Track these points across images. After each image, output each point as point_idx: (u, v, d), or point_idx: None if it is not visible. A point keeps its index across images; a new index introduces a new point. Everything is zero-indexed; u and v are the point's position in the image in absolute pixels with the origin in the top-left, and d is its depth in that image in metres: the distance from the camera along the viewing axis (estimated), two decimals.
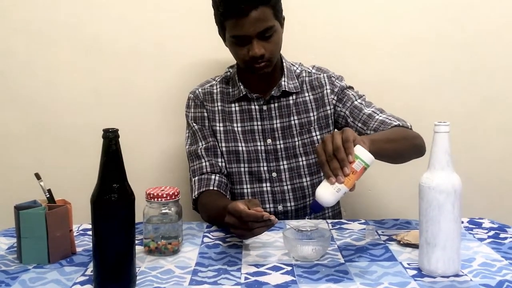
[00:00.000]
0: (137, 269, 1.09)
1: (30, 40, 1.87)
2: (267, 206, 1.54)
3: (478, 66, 1.93)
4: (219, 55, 1.87)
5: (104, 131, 0.98)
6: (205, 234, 1.32)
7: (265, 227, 1.14)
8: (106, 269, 0.98)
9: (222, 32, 1.50)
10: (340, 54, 1.90)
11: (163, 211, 1.18)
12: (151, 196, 1.17)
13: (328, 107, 1.57)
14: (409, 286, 1.00)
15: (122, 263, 0.98)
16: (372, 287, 1.00)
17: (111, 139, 0.97)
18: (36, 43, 1.87)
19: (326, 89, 1.58)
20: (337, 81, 1.60)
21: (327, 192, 1.06)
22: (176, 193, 1.19)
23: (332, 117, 1.58)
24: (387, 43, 1.92)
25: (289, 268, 1.10)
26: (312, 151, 1.56)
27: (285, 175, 1.55)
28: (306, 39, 1.88)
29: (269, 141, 1.55)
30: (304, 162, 1.56)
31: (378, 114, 1.51)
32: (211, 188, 1.46)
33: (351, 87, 1.61)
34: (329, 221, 1.44)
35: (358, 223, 1.41)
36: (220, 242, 1.26)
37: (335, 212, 1.64)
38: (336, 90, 1.58)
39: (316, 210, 1.08)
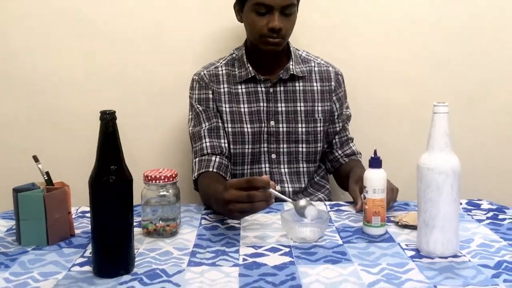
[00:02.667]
0: (135, 250, 1.09)
1: (27, 24, 1.86)
2: None
3: (478, 46, 1.92)
4: (219, 37, 1.86)
5: (101, 113, 0.97)
6: (203, 216, 1.32)
7: (265, 202, 1.12)
8: (105, 250, 0.98)
9: (241, 1, 1.52)
10: (340, 37, 1.89)
11: (161, 193, 1.18)
12: (149, 178, 1.17)
13: (330, 103, 1.61)
14: (407, 267, 1.01)
15: (121, 245, 0.98)
16: (370, 268, 1.00)
17: (108, 121, 0.97)
18: (33, 27, 1.86)
19: (332, 85, 1.61)
20: (342, 85, 1.64)
21: None
22: (174, 175, 1.18)
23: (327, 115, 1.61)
24: (386, 24, 1.90)
25: (287, 249, 1.10)
26: (313, 140, 1.57)
27: (283, 158, 1.55)
28: (303, 21, 1.87)
29: (272, 123, 1.55)
30: (304, 149, 1.57)
31: (352, 142, 1.68)
32: (211, 169, 1.46)
33: (346, 96, 1.68)
34: (327, 203, 1.44)
35: (354, 205, 1.41)
36: (218, 224, 1.26)
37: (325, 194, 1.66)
38: (339, 93, 1.63)
39: None
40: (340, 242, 1.14)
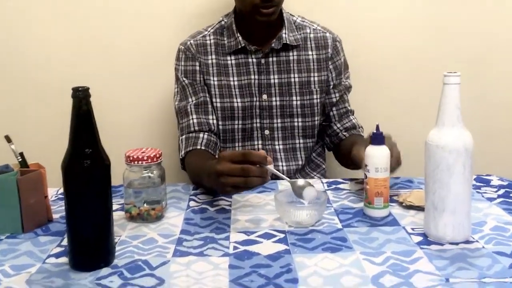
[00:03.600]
0: (117, 238, 1.00)
1: None
2: None
3: (484, 12, 1.80)
4: (207, 1, 1.73)
5: (73, 90, 0.86)
6: (191, 197, 1.23)
7: (261, 178, 1.03)
8: (81, 242, 0.89)
9: None
10: (340, 2, 1.77)
11: (145, 174, 1.08)
12: (131, 159, 1.07)
13: (326, 73, 1.49)
14: (415, 255, 0.92)
15: (98, 235, 0.89)
16: (374, 256, 0.91)
17: (81, 98, 0.86)
18: None
19: (328, 53, 1.49)
20: (340, 52, 1.52)
21: None
22: (158, 155, 1.08)
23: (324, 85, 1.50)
24: None
25: (282, 236, 1.01)
26: (310, 114, 1.46)
27: (277, 133, 1.45)
28: None
29: (264, 96, 1.44)
30: (300, 124, 1.46)
31: (352, 115, 1.54)
32: (198, 147, 1.36)
33: (347, 65, 1.55)
34: (324, 180, 1.35)
35: (356, 183, 1.32)
36: (207, 206, 1.17)
37: (321, 173, 1.56)
38: (336, 61, 1.51)
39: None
40: (340, 226, 1.05)
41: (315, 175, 1.52)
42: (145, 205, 1.08)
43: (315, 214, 1.06)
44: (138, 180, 1.08)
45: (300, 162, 1.47)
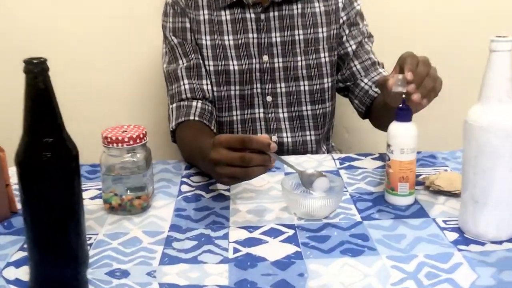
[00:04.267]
0: (92, 237, 0.84)
1: None
2: None
3: None
4: None
5: (25, 62, 0.67)
6: (183, 179, 1.06)
7: (263, 167, 0.87)
8: (45, 250, 0.72)
9: None
10: None
11: (127, 159, 0.91)
12: (109, 140, 0.89)
13: (336, 27, 1.28)
14: (453, 260, 0.75)
15: (66, 242, 0.71)
16: (404, 262, 0.75)
17: (36, 74, 0.67)
18: None
19: (338, 3, 1.28)
20: (354, 2, 1.29)
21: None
22: (142, 135, 0.90)
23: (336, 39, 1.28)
24: None
25: (291, 232, 0.85)
26: (317, 76, 1.27)
27: (281, 100, 1.27)
28: None
29: (265, 57, 1.25)
30: (306, 88, 1.27)
31: (381, 67, 1.29)
32: (192, 118, 1.18)
33: (362, 15, 1.31)
34: (336, 156, 1.18)
35: (372, 159, 1.15)
36: (202, 192, 1.00)
37: (327, 148, 1.38)
38: (350, 12, 1.29)
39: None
40: (358, 218, 0.89)
41: (324, 149, 1.35)
42: (128, 192, 0.92)
43: (330, 205, 0.89)
44: (118, 165, 0.91)
45: (307, 133, 1.30)
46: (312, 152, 1.30)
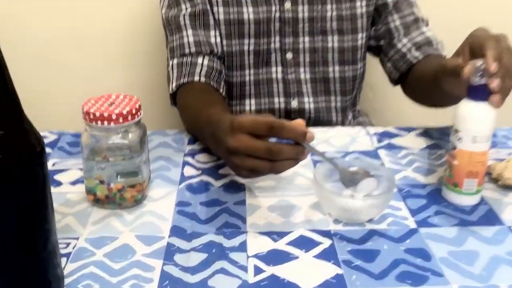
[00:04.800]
0: (72, 243, 0.64)
1: None
2: (276, 100, 1.06)
3: None
4: None
5: None
6: (186, 158, 0.85)
7: (294, 161, 0.67)
8: (3, 274, 0.53)
9: None
10: None
11: (116, 141, 0.70)
12: (93, 117, 0.68)
13: None
14: None
15: (29, 263, 0.52)
16: None
17: None
18: None
19: None
20: None
21: None
22: (135, 110, 0.69)
23: None
24: None
25: (327, 243, 0.65)
26: (350, 29, 1.04)
27: (304, 57, 1.04)
28: None
29: (287, 5, 1.01)
30: (335, 44, 1.04)
31: (426, 26, 1.05)
32: (196, 78, 0.95)
33: None
34: (371, 130, 0.97)
35: (416, 135, 0.95)
36: (210, 179, 0.79)
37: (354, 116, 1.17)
38: None
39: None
40: (412, 223, 0.69)
41: (350, 117, 1.14)
42: (119, 178, 0.71)
43: (377, 208, 0.69)
44: (105, 147, 0.70)
45: (332, 98, 1.08)
46: (336, 121, 1.09)
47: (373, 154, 0.87)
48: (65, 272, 0.59)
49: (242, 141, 0.65)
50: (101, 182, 0.71)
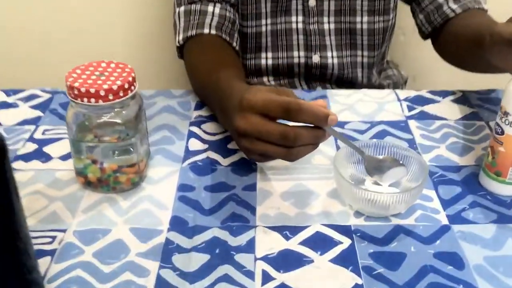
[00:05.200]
0: (59, 236, 0.57)
1: None
2: (296, 54, 0.95)
3: None
4: None
5: None
6: (192, 129, 0.76)
7: (312, 146, 0.59)
8: None
9: None
10: None
11: (109, 119, 0.61)
12: (78, 93, 0.58)
13: None
14: None
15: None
16: None
17: None
18: None
19: None
20: None
21: None
22: (128, 84, 0.59)
23: None
24: None
25: (346, 243, 0.57)
26: None
27: (329, 5, 0.92)
28: None
29: None
30: None
31: None
32: (206, 30, 0.84)
33: None
34: (401, 94, 0.86)
35: (452, 101, 0.84)
36: (217, 157, 0.70)
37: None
38: None
39: None
40: (444, 218, 0.61)
41: (375, 74, 1.02)
42: (114, 156, 0.63)
43: (405, 203, 0.61)
44: (94, 126, 0.62)
45: (359, 53, 0.96)
46: (362, 79, 0.98)
47: (403, 126, 0.77)
48: (48, 275, 0.53)
49: (252, 124, 0.56)
50: (93, 161, 0.63)
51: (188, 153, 0.71)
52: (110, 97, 0.58)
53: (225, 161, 0.69)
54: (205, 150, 0.72)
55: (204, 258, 0.55)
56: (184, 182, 0.66)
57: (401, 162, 0.62)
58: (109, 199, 0.63)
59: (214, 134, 0.75)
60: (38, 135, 0.74)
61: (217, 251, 0.56)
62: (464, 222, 0.60)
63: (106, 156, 0.62)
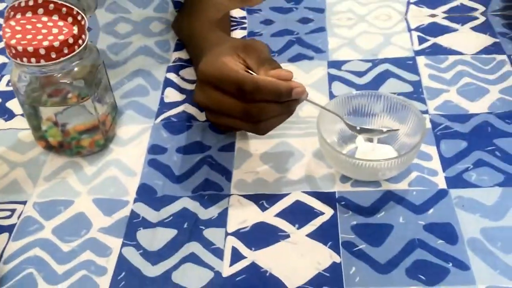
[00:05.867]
0: (18, 209, 0.54)
1: None
2: None
3: None
4: None
5: None
6: (168, 76, 0.68)
7: (282, 116, 0.52)
8: None
9: None
10: None
11: (57, 79, 0.54)
12: (15, 52, 0.50)
13: None
14: None
15: None
16: None
17: None
18: None
19: None
20: None
21: None
22: (74, 37, 0.51)
23: None
24: None
25: (328, 213, 0.51)
26: None
27: None
28: None
29: None
30: None
31: None
32: None
33: None
34: (412, 21, 0.75)
35: (471, 28, 0.73)
36: (194, 112, 0.63)
37: None
38: None
39: None
40: (442, 182, 0.53)
41: None
42: (74, 117, 0.57)
43: (396, 170, 0.53)
44: (42, 88, 0.55)
45: None
46: None
47: (410, 65, 0.67)
48: (5, 255, 0.50)
49: (211, 98, 0.49)
50: (54, 124, 0.57)
51: (163, 106, 0.64)
52: (53, 55, 0.51)
53: (202, 116, 0.63)
54: (182, 102, 0.65)
55: (170, 234, 0.51)
56: (155, 143, 0.60)
57: (386, 130, 0.55)
58: (74, 164, 0.58)
59: (192, 82, 0.68)
60: (1, 87, 0.69)
61: (185, 225, 0.52)
62: (465, 185, 0.53)
63: (65, 118, 0.57)
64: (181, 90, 0.66)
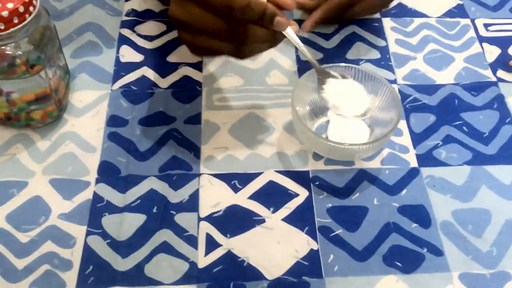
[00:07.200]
0: None
1: None
2: None
3: None
4: None
5: None
6: (123, 32, 0.61)
7: (267, 44, 0.49)
8: None
9: None
10: None
11: (9, 52, 0.47)
12: None
13: None
14: None
15: None
16: None
17: None
18: None
19: None
20: None
21: None
22: (24, 4, 0.45)
23: None
24: None
25: (303, 196, 0.50)
26: None
27: None
28: None
29: None
30: None
31: None
32: None
33: None
34: None
35: None
36: (154, 77, 0.58)
37: None
38: None
39: None
40: (413, 159, 0.53)
41: None
42: (23, 85, 0.50)
43: (371, 151, 0.52)
44: None
45: None
46: None
47: (376, 28, 0.65)
48: None
49: (192, 14, 0.45)
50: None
51: (120, 68, 0.59)
52: (1, 26, 0.44)
53: (164, 82, 0.58)
54: (140, 64, 0.59)
55: (139, 220, 0.48)
56: (114, 113, 0.55)
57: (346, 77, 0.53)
58: (24, 138, 0.52)
59: (151, 39, 0.62)
60: None
61: (154, 209, 0.49)
62: (435, 164, 0.54)
63: (11, 86, 0.50)
64: (138, 48, 0.61)
